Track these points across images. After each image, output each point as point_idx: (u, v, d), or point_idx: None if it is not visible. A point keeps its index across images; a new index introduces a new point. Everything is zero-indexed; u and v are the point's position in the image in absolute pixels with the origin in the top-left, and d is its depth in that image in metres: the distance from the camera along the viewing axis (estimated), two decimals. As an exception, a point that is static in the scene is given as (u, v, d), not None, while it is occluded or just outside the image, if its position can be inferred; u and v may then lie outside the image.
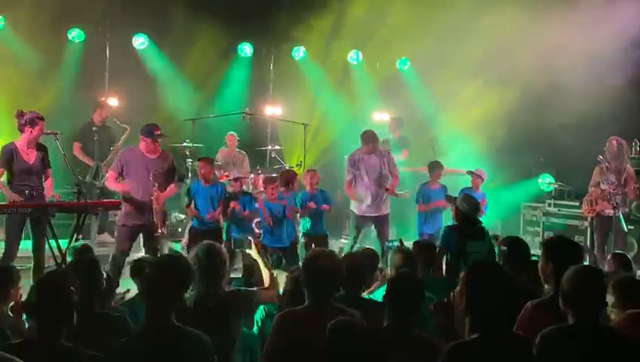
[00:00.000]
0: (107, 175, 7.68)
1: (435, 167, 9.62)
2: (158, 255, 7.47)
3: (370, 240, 9.17)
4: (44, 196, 7.13)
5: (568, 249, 4.00)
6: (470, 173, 9.65)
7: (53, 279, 3.38)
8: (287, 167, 11.22)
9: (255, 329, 4.92)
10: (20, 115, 7.01)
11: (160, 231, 7.27)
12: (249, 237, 5.53)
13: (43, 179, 7.20)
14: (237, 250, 7.93)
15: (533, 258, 5.90)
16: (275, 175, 9.34)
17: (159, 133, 7.39)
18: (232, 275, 6.89)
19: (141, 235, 7.59)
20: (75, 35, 11.43)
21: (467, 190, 9.24)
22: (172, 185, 7.52)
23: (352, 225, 9.24)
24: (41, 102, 10.20)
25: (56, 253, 6.81)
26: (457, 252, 6.10)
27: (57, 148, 7.21)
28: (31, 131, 6.97)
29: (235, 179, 8.86)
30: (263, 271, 4.74)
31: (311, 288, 3.84)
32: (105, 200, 8.63)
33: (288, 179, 8.78)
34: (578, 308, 3.24)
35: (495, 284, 3.16)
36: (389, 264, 5.55)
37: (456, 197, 6.88)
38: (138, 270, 5.08)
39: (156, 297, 3.42)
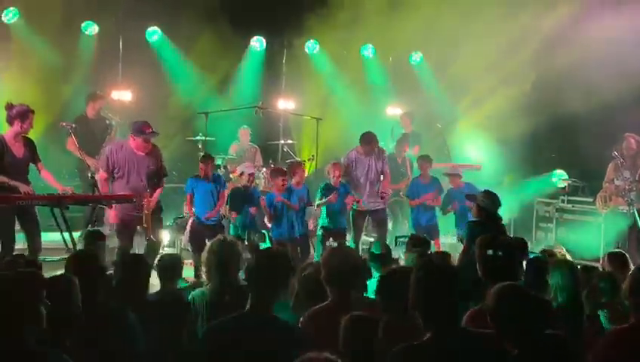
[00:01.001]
0: (98, 174, 7.55)
1: (421, 160, 9.60)
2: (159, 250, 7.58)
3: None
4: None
5: None
6: (446, 174, 9.61)
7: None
8: (299, 161, 11.21)
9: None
10: (10, 107, 6.86)
11: (149, 237, 7.27)
12: (263, 231, 5.53)
13: (28, 173, 7.05)
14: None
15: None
16: (278, 167, 9.26)
17: (150, 131, 7.30)
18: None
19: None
20: (89, 28, 11.44)
21: (451, 191, 9.34)
22: (159, 188, 7.53)
23: (351, 222, 9.04)
24: (55, 94, 10.26)
25: (70, 245, 6.83)
26: None
27: (72, 141, 7.18)
28: (21, 125, 6.81)
29: (250, 174, 8.83)
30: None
31: (334, 286, 3.82)
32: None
33: (290, 170, 8.74)
34: None
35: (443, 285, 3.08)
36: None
37: (475, 195, 6.84)
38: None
39: (262, 286, 3.42)
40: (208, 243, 4.40)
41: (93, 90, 10.04)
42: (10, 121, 6.85)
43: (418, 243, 6.10)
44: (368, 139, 8.91)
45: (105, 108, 9.97)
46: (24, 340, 2.90)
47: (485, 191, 6.85)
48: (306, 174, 9.98)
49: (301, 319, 3.81)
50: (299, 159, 11.27)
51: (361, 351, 3.29)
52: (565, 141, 11.19)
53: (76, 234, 6.91)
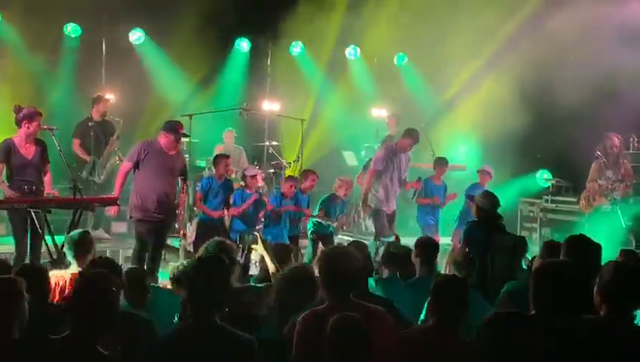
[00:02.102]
0: (121, 163, 7.65)
1: (439, 163, 9.70)
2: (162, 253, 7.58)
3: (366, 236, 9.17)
4: (42, 192, 7.07)
5: None
6: (479, 171, 9.73)
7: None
8: (284, 163, 11.21)
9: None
10: (18, 109, 6.98)
11: (182, 233, 7.52)
12: (255, 233, 5.51)
13: (42, 175, 7.16)
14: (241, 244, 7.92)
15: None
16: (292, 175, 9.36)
17: (183, 132, 7.46)
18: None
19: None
20: (71, 29, 11.38)
21: (476, 186, 9.33)
22: (183, 195, 7.71)
23: (376, 223, 8.77)
24: (38, 97, 10.17)
25: (52, 249, 6.76)
26: (483, 246, 6.07)
27: (54, 143, 7.16)
28: (28, 126, 6.93)
29: (252, 176, 8.76)
30: (269, 267, 4.73)
31: (331, 289, 3.66)
32: (102, 196, 8.57)
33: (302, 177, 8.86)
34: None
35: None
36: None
37: (474, 196, 6.93)
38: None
39: (203, 297, 3.36)
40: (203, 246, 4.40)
41: (85, 93, 10.10)
42: (19, 123, 6.97)
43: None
44: (416, 137, 8.76)
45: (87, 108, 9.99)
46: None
47: (484, 191, 6.96)
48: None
49: (298, 320, 3.69)
50: (284, 161, 11.26)
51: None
52: (550, 140, 11.23)
53: (60, 238, 6.87)
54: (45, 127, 7.16)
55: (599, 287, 3.25)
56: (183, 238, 7.94)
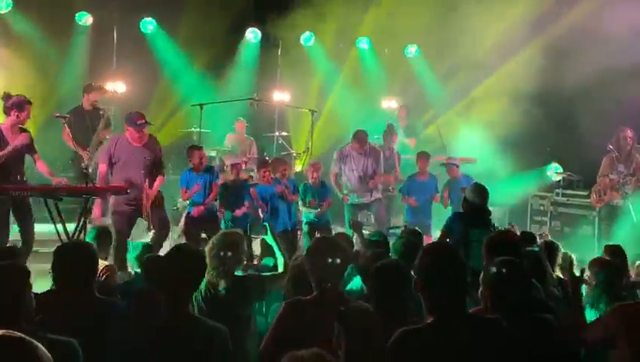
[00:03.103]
0: (98, 168, 7.51)
1: (419, 157, 9.57)
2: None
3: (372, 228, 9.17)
4: (26, 180, 6.99)
5: None
6: (442, 164, 9.62)
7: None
8: (294, 154, 11.20)
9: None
10: (7, 97, 6.86)
11: (151, 226, 7.28)
12: (265, 223, 5.48)
13: (24, 164, 7.03)
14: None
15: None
16: (265, 159, 9.32)
17: (143, 121, 7.28)
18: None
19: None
20: (83, 18, 11.37)
21: (450, 182, 9.36)
22: (159, 178, 7.48)
23: (346, 218, 9.12)
24: (49, 85, 10.21)
25: (64, 237, 6.77)
26: (459, 238, 6.05)
27: (65, 131, 7.14)
28: (17, 115, 6.82)
29: (232, 166, 8.76)
30: (277, 257, 4.72)
31: (317, 278, 3.69)
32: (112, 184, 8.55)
33: (277, 165, 8.71)
34: None
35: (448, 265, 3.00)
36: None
37: (465, 188, 6.86)
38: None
39: (173, 287, 3.35)
40: (214, 236, 4.39)
41: (88, 81, 9.93)
42: (7, 111, 6.86)
43: (411, 233, 6.11)
44: (359, 138, 9.14)
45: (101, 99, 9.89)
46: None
47: (473, 183, 6.85)
48: (298, 168, 10.07)
49: (283, 304, 3.76)
50: (294, 152, 11.24)
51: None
52: (562, 134, 11.18)
53: (71, 226, 6.89)
54: (58, 114, 7.15)
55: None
56: (149, 231, 7.76)
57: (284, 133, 11.76)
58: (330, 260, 3.68)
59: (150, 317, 3.48)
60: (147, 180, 7.33)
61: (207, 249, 4.25)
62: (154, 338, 3.25)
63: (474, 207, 6.32)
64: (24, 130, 7.03)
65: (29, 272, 3.11)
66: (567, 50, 10.35)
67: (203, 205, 8.15)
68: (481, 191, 6.41)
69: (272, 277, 4.60)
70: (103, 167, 7.38)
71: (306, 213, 8.73)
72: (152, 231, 7.45)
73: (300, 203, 8.67)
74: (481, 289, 3.44)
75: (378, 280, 3.70)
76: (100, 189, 7.13)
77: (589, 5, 10.01)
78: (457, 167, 9.51)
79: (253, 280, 4.40)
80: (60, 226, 6.76)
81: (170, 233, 8.97)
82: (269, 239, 5.02)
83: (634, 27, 9.57)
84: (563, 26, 10.51)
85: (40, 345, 1.93)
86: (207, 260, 4.17)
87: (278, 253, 4.82)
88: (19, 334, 1.94)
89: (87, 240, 5.20)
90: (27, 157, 7.15)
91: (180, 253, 3.53)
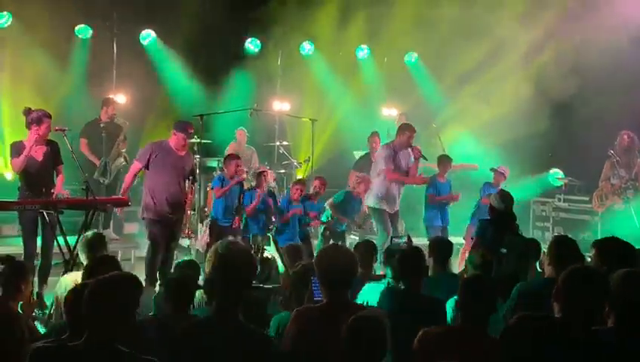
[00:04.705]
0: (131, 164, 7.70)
1: (443, 160, 9.58)
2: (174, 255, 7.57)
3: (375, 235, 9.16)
4: (53, 193, 7.07)
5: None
6: (493, 170, 9.58)
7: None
8: (295, 163, 11.19)
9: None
10: (28, 112, 6.99)
11: (187, 231, 7.46)
12: (268, 234, 5.50)
13: (54, 176, 7.16)
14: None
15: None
16: (301, 178, 9.40)
17: (192, 131, 7.52)
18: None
19: None
20: (82, 30, 11.41)
21: (488, 185, 9.27)
22: (193, 187, 7.71)
23: (381, 222, 8.85)
24: (49, 98, 10.22)
25: (65, 249, 6.77)
26: (492, 245, 6.05)
27: (66, 144, 7.17)
28: (37, 129, 6.93)
29: (259, 174, 8.74)
30: (280, 268, 4.72)
31: (326, 286, 3.67)
32: (113, 196, 8.59)
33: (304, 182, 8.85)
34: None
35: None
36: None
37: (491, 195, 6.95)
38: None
39: (228, 291, 3.28)
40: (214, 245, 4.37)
41: (95, 94, 10.10)
42: (28, 126, 6.99)
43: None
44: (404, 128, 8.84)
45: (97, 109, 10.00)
46: None
47: (500, 191, 7.00)
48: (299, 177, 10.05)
49: (293, 312, 3.74)
50: (295, 161, 11.24)
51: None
52: (563, 139, 11.18)
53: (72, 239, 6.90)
54: (57, 128, 7.16)
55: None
56: (188, 238, 7.87)
57: (285, 143, 11.75)
58: (338, 268, 3.66)
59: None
60: (192, 189, 7.57)
61: (208, 256, 4.25)
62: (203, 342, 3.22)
63: (501, 214, 6.41)
64: (52, 143, 7.17)
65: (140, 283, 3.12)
66: (569, 55, 10.37)
67: (235, 214, 8.18)
68: (506, 198, 6.54)
69: (275, 289, 4.61)
70: (137, 165, 7.46)
71: (326, 214, 8.78)
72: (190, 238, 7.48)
73: (328, 214, 8.76)
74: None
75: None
76: (101, 201, 7.14)
77: (591, 12, 10.00)
78: (505, 177, 9.43)
79: (257, 292, 4.40)
80: (60, 239, 6.78)
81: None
82: (272, 250, 5.03)
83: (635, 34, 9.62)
84: (564, 30, 10.50)
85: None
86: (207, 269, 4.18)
87: (281, 264, 4.83)
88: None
89: (81, 247, 5.17)
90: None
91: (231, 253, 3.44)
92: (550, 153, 11.97)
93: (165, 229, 7.35)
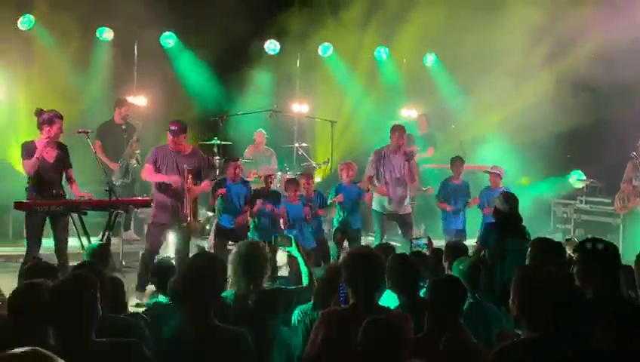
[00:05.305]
0: (144, 167, 7.69)
1: (455, 162, 9.53)
2: (187, 251, 7.57)
3: (398, 237, 9.12)
4: (63, 194, 7.10)
5: None
6: (487, 171, 9.53)
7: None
8: (314, 165, 11.20)
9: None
10: (39, 113, 6.98)
11: (189, 219, 7.29)
12: (290, 235, 5.49)
13: (63, 178, 7.15)
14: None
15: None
16: (294, 178, 9.12)
17: (174, 128, 7.36)
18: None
19: (170, 232, 7.60)
20: (104, 33, 11.49)
21: (487, 189, 9.22)
22: (206, 182, 7.60)
23: (376, 225, 8.96)
24: (71, 100, 10.32)
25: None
26: (495, 249, 6.02)
27: (89, 146, 7.22)
28: (49, 130, 6.92)
29: (266, 177, 8.80)
30: (302, 270, 4.72)
31: (355, 288, 3.69)
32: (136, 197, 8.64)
33: (299, 180, 8.66)
34: None
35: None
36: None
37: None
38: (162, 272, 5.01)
39: (195, 298, 3.37)
40: (236, 246, 4.38)
41: (110, 95, 10.13)
42: (40, 127, 6.99)
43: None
44: (393, 129, 8.76)
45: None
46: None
47: (503, 193, 6.87)
48: (318, 179, 10.02)
49: (320, 314, 3.76)
50: (314, 163, 11.25)
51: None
52: (585, 140, 11.09)
53: (95, 239, 6.97)
54: (80, 130, 7.23)
55: None
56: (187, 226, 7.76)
57: (303, 144, 11.76)
58: (365, 270, 3.67)
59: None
60: (190, 177, 7.38)
61: (230, 259, 4.27)
62: (179, 348, 3.28)
63: (506, 216, 6.33)
64: (61, 145, 7.16)
65: (98, 282, 3.17)
66: (591, 56, 10.30)
67: (239, 215, 8.20)
68: (510, 199, 6.43)
69: (298, 290, 4.61)
70: (148, 166, 7.48)
71: (336, 218, 8.69)
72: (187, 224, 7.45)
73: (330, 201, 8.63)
74: None
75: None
76: (124, 202, 7.19)
77: (619, 10, 9.90)
78: (501, 177, 9.39)
79: (281, 294, 4.41)
80: (84, 240, 6.84)
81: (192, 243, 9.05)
82: (294, 251, 5.02)
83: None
84: (583, 31, 10.43)
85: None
86: (232, 271, 4.21)
87: (302, 266, 4.82)
88: (48, 352, 1.96)
89: (84, 257, 5.16)
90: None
91: (201, 263, 3.57)
92: (568, 155, 11.87)
93: (162, 233, 7.41)
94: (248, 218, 8.42)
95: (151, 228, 7.52)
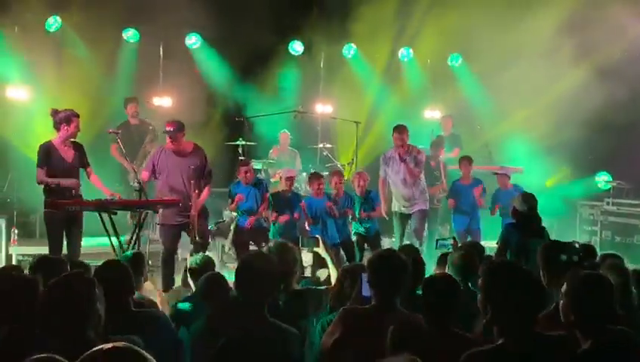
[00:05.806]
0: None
1: (463, 162, 9.52)
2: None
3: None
4: (81, 195, 7.12)
5: None
6: (495, 174, 9.49)
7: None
8: (338, 166, 11.21)
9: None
10: (55, 112, 6.99)
11: (195, 239, 7.21)
12: (317, 236, 5.52)
13: (80, 178, 7.17)
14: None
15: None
16: (317, 172, 9.18)
17: (169, 129, 7.30)
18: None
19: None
20: (130, 35, 11.59)
21: (498, 191, 9.22)
22: (205, 190, 7.47)
23: (395, 226, 9.12)
24: (99, 102, 10.42)
25: (118, 251, 6.90)
26: (519, 250, 6.00)
27: (120, 146, 7.27)
28: (67, 129, 6.94)
29: (287, 178, 8.83)
30: (330, 270, 4.74)
31: (378, 289, 3.72)
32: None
33: (321, 175, 8.77)
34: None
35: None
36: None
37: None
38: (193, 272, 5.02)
39: (253, 292, 3.41)
40: (265, 246, 4.41)
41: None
42: (57, 126, 7.00)
43: (471, 246, 5.95)
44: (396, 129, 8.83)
45: (144, 113, 10.12)
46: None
47: (522, 193, 6.85)
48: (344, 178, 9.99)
49: (339, 311, 3.79)
50: (338, 163, 11.25)
51: None
52: (612, 141, 10.98)
53: (122, 238, 7.04)
54: (111, 130, 7.29)
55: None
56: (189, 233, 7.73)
57: (328, 145, 11.77)
58: (390, 272, 3.69)
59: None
60: (196, 190, 7.27)
61: None
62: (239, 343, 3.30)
63: (525, 216, 6.30)
64: (77, 144, 7.18)
65: (95, 282, 3.16)
66: (619, 56, 10.21)
67: (254, 215, 8.26)
68: (528, 200, 6.41)
69: (327, 291, 4.62)
70: (144, 174, 7.46)
71: (355, 225, 8.72)
72: (193, 241, 7.45)
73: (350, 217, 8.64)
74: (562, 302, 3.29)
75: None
76: (153, 203, 7.24)
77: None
78: (508, 177, 9.39)
79: (311, 294, 4.43)
80: (114, 239, 6.90)
81: (218, 244, 9.09)
82: (322, 252, 5.04)
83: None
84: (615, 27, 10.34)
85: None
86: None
87: (331, 266, 4.84)
88: (136, 348, 2.00)
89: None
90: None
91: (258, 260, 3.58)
92: (590, 156, 11.72)
93: (176, 233, 7.39)
94: (266, 217, 8.47)
95: (161, 230, 7.53)
